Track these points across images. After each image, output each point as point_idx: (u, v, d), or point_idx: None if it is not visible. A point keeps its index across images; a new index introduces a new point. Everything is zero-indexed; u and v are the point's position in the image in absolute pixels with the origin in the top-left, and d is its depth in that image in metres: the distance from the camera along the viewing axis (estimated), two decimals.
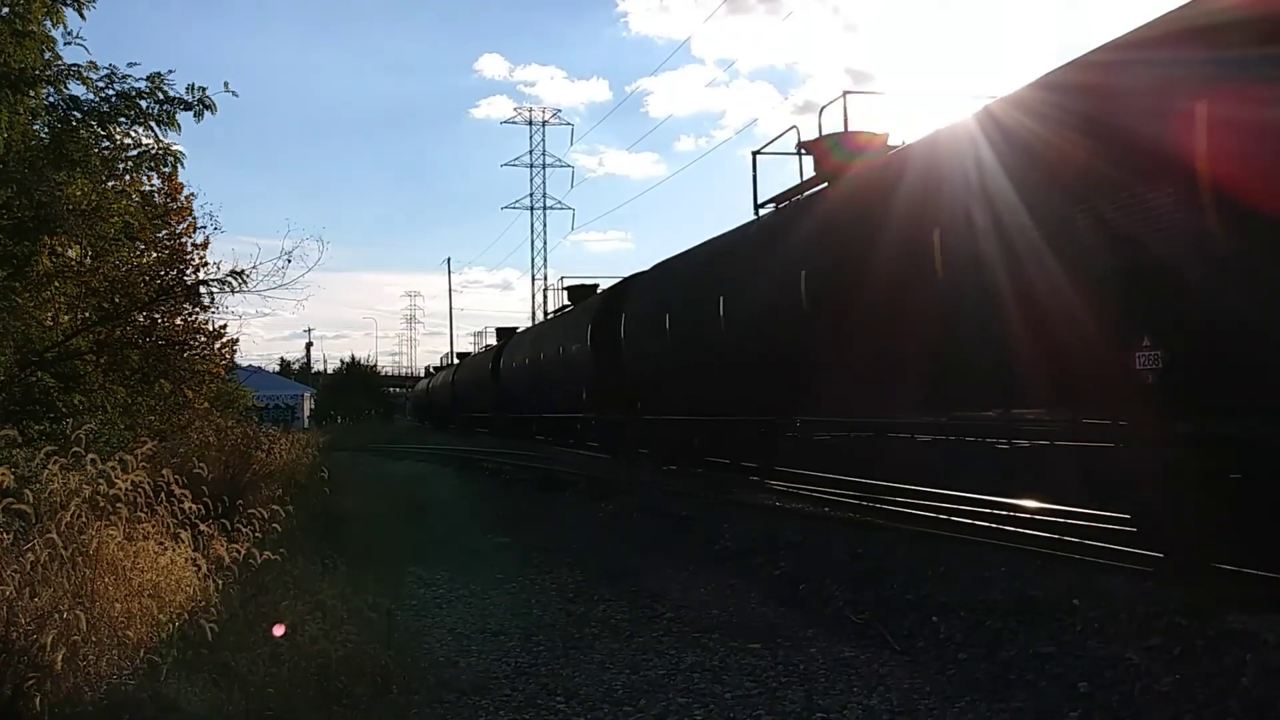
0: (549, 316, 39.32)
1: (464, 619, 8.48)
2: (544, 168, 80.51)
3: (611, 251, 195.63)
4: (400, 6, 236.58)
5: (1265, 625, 6.20)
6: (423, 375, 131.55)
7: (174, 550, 7.01)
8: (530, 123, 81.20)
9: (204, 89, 12.19)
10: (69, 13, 11.63)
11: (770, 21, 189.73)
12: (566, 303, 34.28)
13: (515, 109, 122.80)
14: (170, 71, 12.02)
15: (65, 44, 11.83)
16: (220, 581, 6.86)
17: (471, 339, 71.24)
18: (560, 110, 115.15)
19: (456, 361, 64.78)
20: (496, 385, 40.90)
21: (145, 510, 7.11)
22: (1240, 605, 6.82)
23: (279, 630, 6.47)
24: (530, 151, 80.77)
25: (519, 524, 14.32)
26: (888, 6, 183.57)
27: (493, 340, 51.59)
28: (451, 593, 9.56)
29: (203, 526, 7.52)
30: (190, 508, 7.57)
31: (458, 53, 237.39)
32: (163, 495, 7.40)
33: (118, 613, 6.00)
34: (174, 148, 12.98)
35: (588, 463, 24.23)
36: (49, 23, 11.36)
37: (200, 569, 7.00)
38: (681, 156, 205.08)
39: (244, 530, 7.87)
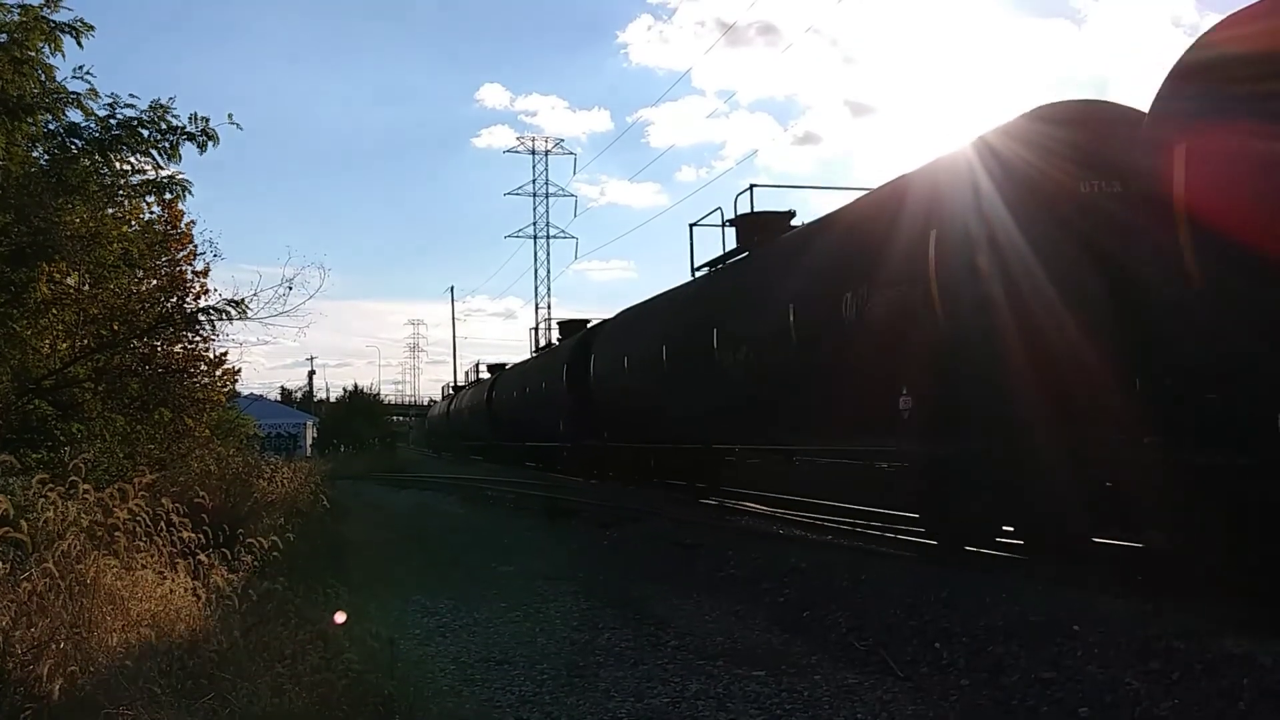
0: (536, 352, 41.73)
1: (468, 648, 8.43)
2: (547, 197, 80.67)
3: (614, 280, 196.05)
4: (402, 37, 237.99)
5: (1262, 648, 6.19)
6: (427, 404, 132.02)
7: (173, 580, 6.99)
8: (533, 152, 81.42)
9: (207, 119, 12.26)
10: (68, 42, 11.70)
11: (769, 54, 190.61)
12: (558, 337, 38.02)
13: (518, 138, 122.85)
14: (172, 98, 12.08)
15: (73, 76, 11.92)
16: (220, 611, 6.83)
17: (465, 374, 71.62)
18: (563, 140, 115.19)
19: (452, 393, 65.78)
20: (490, 416, 44.31)
21: (144, 539, 7.09)
22: (1237, 628, 6.80)
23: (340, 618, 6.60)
24: (534, 181, 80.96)
25: (523, 552, 14.26)
26: (885, 40, 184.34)
27: (484, 374, 56.05)
28: (455, 621, 9.50)
29: (202, 556, 7.49)
30: (190, 537, 7.55)
31: (459, 83, 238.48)
32: (162, 524, 7.38)
33: (115, 643, 5.96)
34: (179, 176, 13.04)
35: (590, 490, 24.23)
36: (47, 49, 11.42)
37: (200, 598, 6.97)
38: (682, 186, 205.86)
39: (244, 559, 7.84)
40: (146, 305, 14.67)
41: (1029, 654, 6.90)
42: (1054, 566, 9.40)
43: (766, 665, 7.50)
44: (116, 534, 6.72)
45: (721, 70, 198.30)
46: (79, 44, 11.83)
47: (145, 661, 5.86)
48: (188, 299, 15.62)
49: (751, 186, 18.08)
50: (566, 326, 35.28)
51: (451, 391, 68.58)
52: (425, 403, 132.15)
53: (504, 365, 50.28)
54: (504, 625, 9.32)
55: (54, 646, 5.41)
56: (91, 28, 11.89)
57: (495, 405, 43.40)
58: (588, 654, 8.09)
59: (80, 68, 11.97)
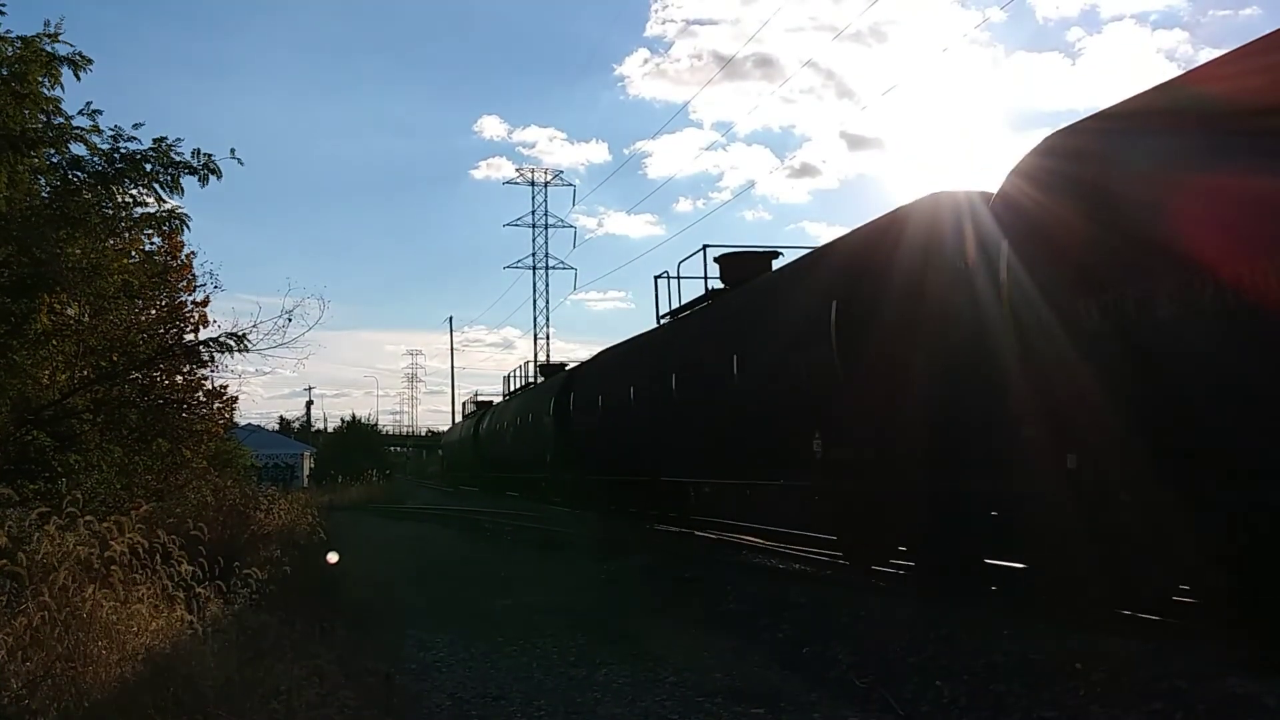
0: (519, 390, 44.50)
1: (464, 683, 8.37)
2: (546, 228, 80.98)
3: (611, 311, 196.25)
4: (400, 69, 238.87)
5: (1266, 689, 6.16)
6: (425, 435, 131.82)
7: (169, 613, 6.95)
8: (533, 183, 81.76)
9: (210, 155, 12.32)
10: (67, 75, 11.76)
11: (767, 87, 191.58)
12: (532, 379, 42.25)
13: (518, 170, 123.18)
14: (179, 140, 12.16)
15: (79, 113, 11.98)
16: (216, 645, 6.78)
17: (462, 405, 72.37)
18: (562, 171, 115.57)
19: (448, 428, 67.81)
20: (476, 449, 47.10)
21: (141, 572, 7.06)
22: (1241, 668, 6.77)
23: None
24: (533, 212, 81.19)
25: (520, 586, 14.20)
26: (881, 73, 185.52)
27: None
28: (451, 656, 9.44)
29: (199, 589, 7.46)
30: (186, 570, 7.51)
31: (457, 114, 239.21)
32: (158, 557, 7.35)
33: (111, 677, 5.93)
34: (179, 210, 13.08)
35: (586, 523, 24.19)
36: (46, 82, 11.47)
37: (196, 632, 6.93)
38: (680, 218, 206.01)
39: (241, 592, 7.81)
40: (146, 336, 14.69)
41: (1031, 693, 6.85)
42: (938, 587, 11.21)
43: (765, 703, 7.44)
44: (113, 567, 6.69)
45: (719, 102, 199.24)
46: (77, 77, 11.91)
47: (140, 696, 5.82)
48: (187, 330, 15.65)
49: (705, 246, 20.38)
50: (546, 370, 39.67)
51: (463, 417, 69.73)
52: (423, 433, 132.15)
53: (490, 403, 53.74)
54: (501, 660, 9.26)
55: (49, 681, 5.38)
56: (90, 61, 11.98)
57: (482, 438, 45.97)
58: (585, 690, 8.04)
59: (89, 104, 12.08)
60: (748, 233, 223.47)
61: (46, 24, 11.68)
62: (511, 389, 46.38)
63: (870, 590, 11.40)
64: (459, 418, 69.04)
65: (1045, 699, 6.71)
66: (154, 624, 6.73)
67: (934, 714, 7.03)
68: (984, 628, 8.39)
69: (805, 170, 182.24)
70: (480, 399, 60.83)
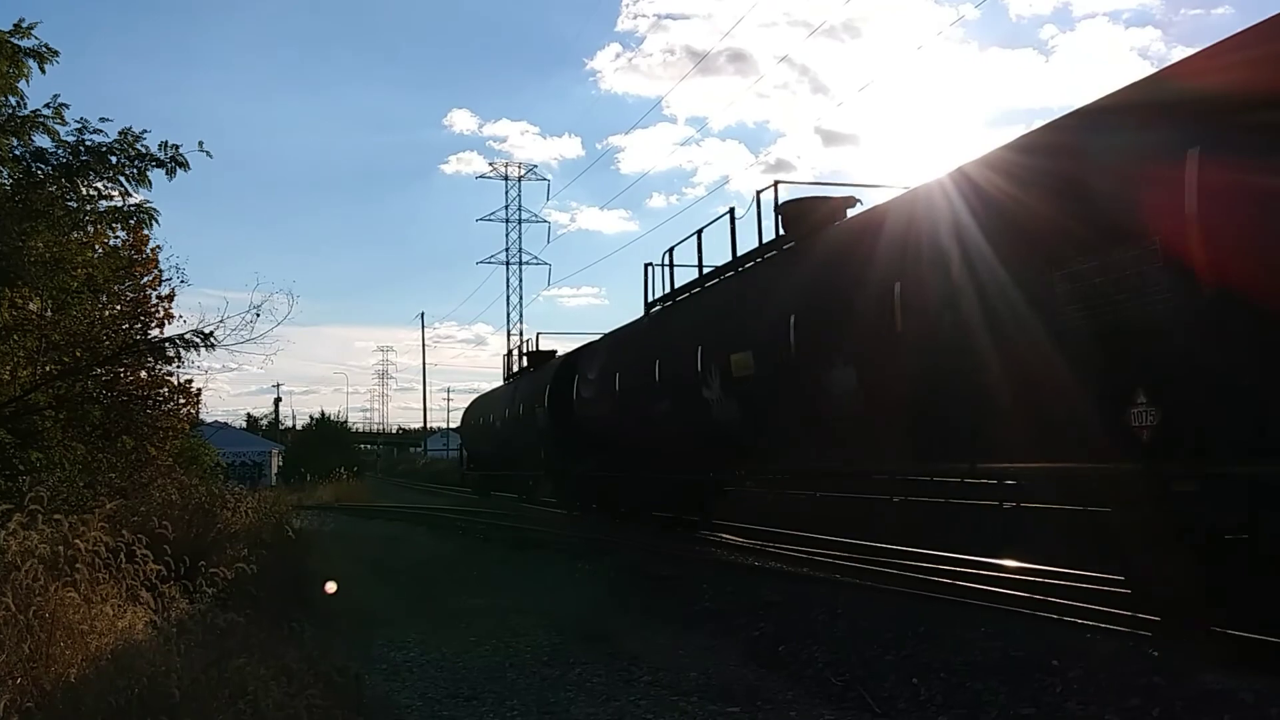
0: (508, 379, 38.63)
1: (436, 683, 8.27)
2: (520, 223, 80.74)
3: (585, 307, 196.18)
4: (369, 62, 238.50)
5: (1242, 684, 6.16)
6: (396, 432, 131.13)
7: (133, 612, 6.81)
8: (506, 178, 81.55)
9: (177, 147, 12.18)
10: (34, 68, 11.58)
11: (740, 82, 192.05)
12: (524, 365, 35.93)
13: (491, 165, 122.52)
14: (145, 131, 11.97)
15: (45, 106, 11.79)
16: (182, 645, 6.64)
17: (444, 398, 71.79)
18: (536, 166, 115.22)
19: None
20: (460, 445, 42.84)
21: (104, 571, 6.91)
22: (1217, 664, 6.76)
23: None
24: (506, 207, 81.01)
25: (493, 585, 14.09)
26: (856, 69, 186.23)
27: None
28: (423, 656, 9.33)
29: (164, 588, 7.31)
30: (151, 569, 7.37)
31: (427, 108, 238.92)
32: (122, 556, 7.20)
33: (73, 678, 5.79)
34: (146, 204, 12.90)
35: (561, 521, 24.07)
36: (13, 71, 11.28)
37: (161, 632, 6.79)
38: (654, 213, 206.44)
39: (207, 591, 7.66)
40: (110, 332, 14.48)
41: (1008, 690, 6.81)
42: None
43: (741, 701, 7.37)
44: (77, 566, 6.55)
45: (693, 98, 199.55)
46: (42, 69, 11.72)
47: (104, 697, 5.68)
48: (152, 325, 15.44)
49: (776, 183, 15.29)
50: (535, 356, 33.97)
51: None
52: (394, 431, 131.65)
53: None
54: (473, 659, 9.15)
55: (10, 682, 5.24)
56: (56, 53, 11.78)
57: (465, 433, 41.85)
58: (558, 689, 7.95)
59: (55, 97, 11.89)
60: (722, 229, 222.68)
61: (20, 22, 11.52)
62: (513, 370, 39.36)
63: (847, 587, 11.35)
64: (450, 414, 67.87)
65: (1023, 695, 6.69)
66: (119, 624, 6.59)
67: (911, 711, 6.98)
68: (961, 625, 8.36)
69: (780, 166, 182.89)
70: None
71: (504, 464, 34.33)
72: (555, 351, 32.40)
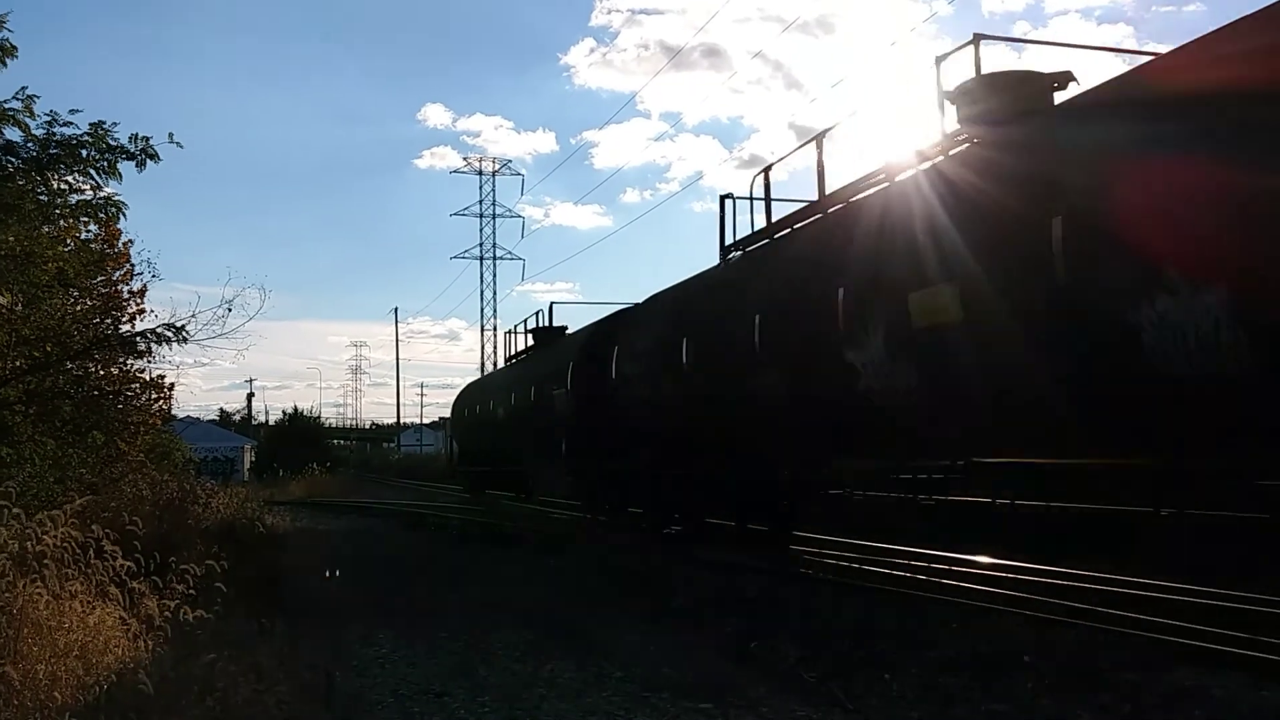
0: (511, 360, 33.21)
1: (407, 680, 8.22)
2: (494, 218, 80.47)
3: (559, 302, 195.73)
4: (341, 55, 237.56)
5: (1214, 680, 6.21)
6: (369, 428, 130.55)
7: (102, 609, 6.77)
8: (480, 173, 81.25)
9: (148, 139, 12.06)
10: None
11: (714, 78, 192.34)
12: (522, 347, 31.33)
13: (465, 159, 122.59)
14: (115, 124, 11.86)
15: (14, 97, 11.67)
16: (151, 642, 6.61)
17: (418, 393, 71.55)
18: (510, 161, 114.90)
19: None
20: (449, 438, 39.60)
21: (74, 567, 6.86)
22: (1190, 660, 6.82)
23: None
24: (480, 202, 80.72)
25: (465, 581, 14.06)
26: (830, 66, 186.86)
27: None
28: (394, 653, 9.28)
29: (134, 584, 7.27)
30: (121, 565, 7.32)
31: (401, 102, 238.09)
32: (92, 551, 7.15)
33: (41, 674, 5.74)
34: (115, 197, 12.80)
35: (535, 517, 24.00)
36: None
37: (130, 629, 6.74)
38: (627, 208, 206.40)
39: (177, 588, 7.61)
40: (81, 327, 14.37)
41: (980, 686, 6.85)
42: None
43: (714, 697, 7.36)
44: (45, 561, 6.50)
45: (667, 93, 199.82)
46: (3, 63, 11.59)
47: (73, 694, 5.65)
48: (124, 319, 15.33)
49: (977, 37, 10.93)
50: (541, 334, 29.00)
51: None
52: (368, 426, 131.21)
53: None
54: (445, 656, 9.12)
55: None
56: (15, 49, 11.64)
57: (455, 425, 37.79)
58: (530, 686, 7.92)
59: (23, 89, 11.76)
60: (696, 224, 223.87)
61: None
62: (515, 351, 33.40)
63: (820, 583, 11.37)
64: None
65: (995, 691, 6.72)
66: (88, 620, 6.55)
67: (883, 708, 6.99)
68: (933, 621, 8.39)
69: (754, 161, 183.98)
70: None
71: (505, 458, 29.78)
72: (565, 328, 28.49)
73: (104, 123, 11.88)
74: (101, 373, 15.20)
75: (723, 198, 15.82)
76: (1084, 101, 9.50)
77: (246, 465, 68.54)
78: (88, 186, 12.61)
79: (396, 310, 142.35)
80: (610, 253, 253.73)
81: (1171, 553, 8.95)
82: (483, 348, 78.07)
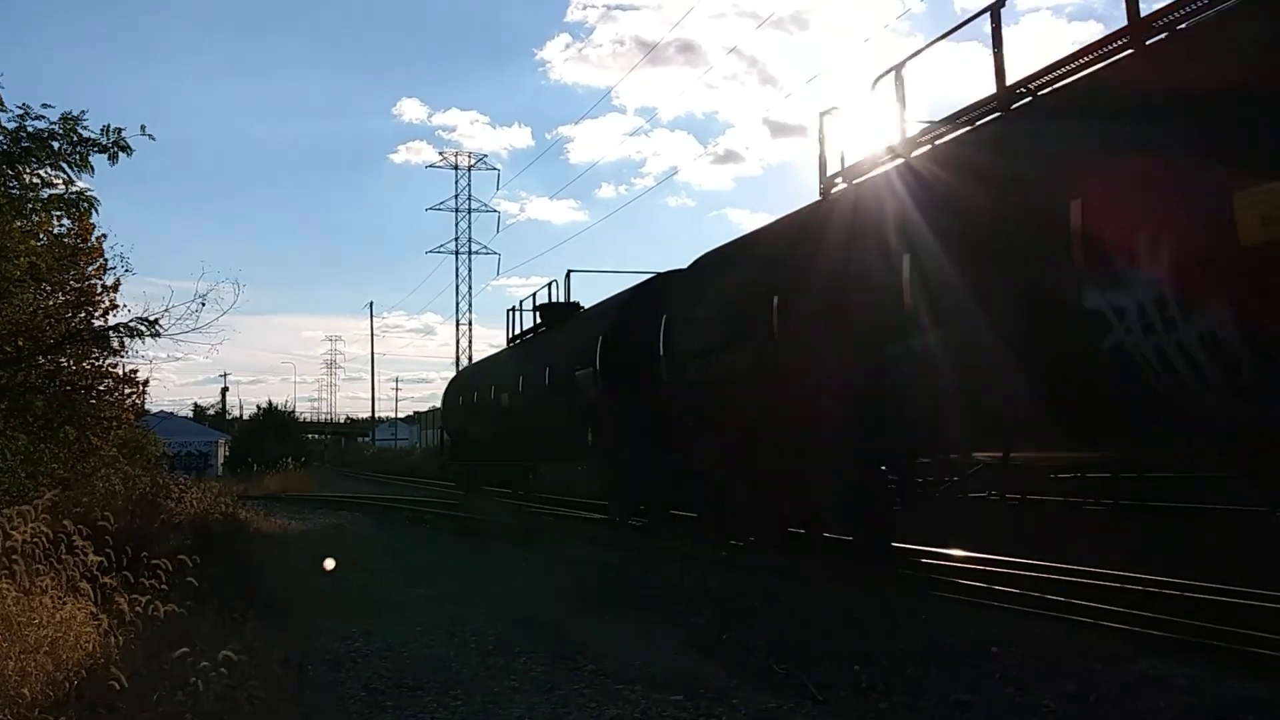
0: (515, 340, 28.58)
1: (379, 673, 8.23)
2: (470, 212, 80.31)
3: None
4: (315, 48, 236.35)
5: (1176, 670, 6.29)
6: (344, 422, 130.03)
7: (73, 604, 6.76)
8: (455, 168, 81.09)
9: (120, 131, 11.99)
10: None
11: (690, 73, 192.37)
12: (528, 326, 27.23)
13: (441, 154, 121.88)
14: (84, 113, 11.79)
15: None
16: (122, 637, 6.61)
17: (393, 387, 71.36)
18: (485, 156, 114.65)
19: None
20: (442, 431, 36.66)
21: (44, 563, 6.86)
22: (1153, 650, 6.90)
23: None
24: (455, 196, 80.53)
25: (438, 574, 14.06)
26: (804, 62, 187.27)
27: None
28: (367, 646, 9.29)
29: (105, 579, 7.26)
30: (93, 560, 7.31)
31: (376, 96, 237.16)
32: (63, 547, 7.14)
33: (10, 670, 5.74)
34: (88, 192, 12.74)
35: (511, 512, 23.99)
36: None
37: (101, 624, 6.74)
38: (603, 204, 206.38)
39: (149, 583, 7.61)
40: (53, 321, 14.29)
41: (946, 677, 6.92)
42: None
43: (684, 689, 7.41)
44: (14, 557, 6.49)
45: (642, 88, 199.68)
46: None
47: (42, 690, 5.65)
48: (97, 314, 15.26)
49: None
50: (550, 311, 25.08)
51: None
52: (342, 420, 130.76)
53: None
54: (418, 649, 9.14)
55: None
56: None
57: (449, 416, 33.95)
58: (503, 679, 7.96)
59: None
60: (671, 220, 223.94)
61: None
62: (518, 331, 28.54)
63: (790, 576, 11.43)
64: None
65: (961, 682, 6.79)
66: (58, 616, 6.54)
67: (851, 698, 7.05)
68: (901, 612, 8.46)
69: (729, 157, 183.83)
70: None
71: (507, 451, 26.69)
72: (579, 305, 24.48)
73: (74, 113, 11.83)
74: (74, 367, 15.12)
75: (822, 114, 12.84)
76: None
77: (220, 460, 68.23)
78: (60, 181, 12.54)
79: (372, 304, 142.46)
80: (585, 247, 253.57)
81: None
82: (458, 342, 78.12)
